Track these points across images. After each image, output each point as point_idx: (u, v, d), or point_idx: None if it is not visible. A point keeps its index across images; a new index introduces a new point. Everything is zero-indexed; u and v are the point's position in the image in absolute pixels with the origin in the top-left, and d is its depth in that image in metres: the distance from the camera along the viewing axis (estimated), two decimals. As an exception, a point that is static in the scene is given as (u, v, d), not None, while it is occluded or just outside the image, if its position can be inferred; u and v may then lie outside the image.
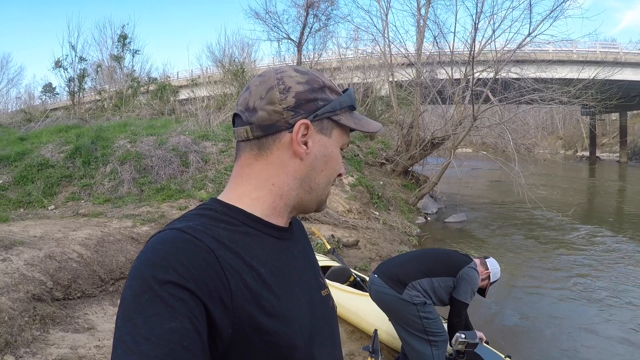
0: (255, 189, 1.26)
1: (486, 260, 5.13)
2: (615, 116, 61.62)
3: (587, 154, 63.84)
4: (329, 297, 1.42)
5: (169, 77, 30.06)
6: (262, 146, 1.25)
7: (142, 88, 24.31)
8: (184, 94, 25.22)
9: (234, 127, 1.29)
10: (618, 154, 59.15)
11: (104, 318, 5.66)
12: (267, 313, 1.10)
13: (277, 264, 1.21)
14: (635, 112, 62.96)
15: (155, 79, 25.81)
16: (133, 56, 28.86)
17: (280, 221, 1.29)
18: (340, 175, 1.36)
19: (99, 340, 5.10)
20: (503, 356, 5.33)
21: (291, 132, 1.23)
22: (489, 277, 5.08)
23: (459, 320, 4.82)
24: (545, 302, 8.75)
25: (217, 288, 1.03)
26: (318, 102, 1.25)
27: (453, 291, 4.84)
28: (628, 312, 8.18)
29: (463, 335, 4.47)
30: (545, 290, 9.34)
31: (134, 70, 28.39)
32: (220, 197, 1.28)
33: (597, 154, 61.82)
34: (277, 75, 1.25)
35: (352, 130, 1.34)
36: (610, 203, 24.05)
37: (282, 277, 1.20)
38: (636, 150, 62.37)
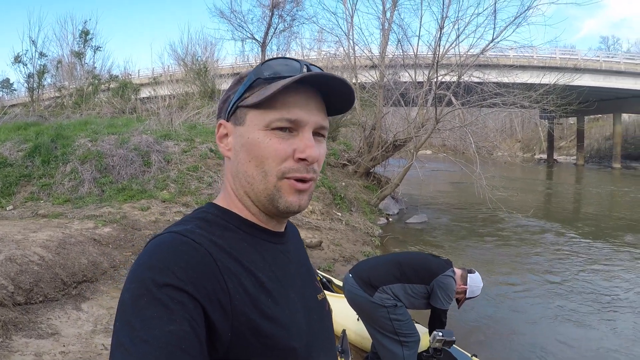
0: (228, 194, 1.29)
1: (469, 275, 5.11)
2: (573, 120, 62.76)
3: (544, 156, 64.94)
4: (324, 301, 1.43)
5: (130, 75, 29.78)
6: None
7: (103, 86, 23.93)
8: (145, 93, 24.99)
9: None
10: (575, 157, 60.23)
11: (67, 323, 5.55)
12: (266, 316, 1.10)
13: (274, 268, 1.21)
14: (592, 116, 64.35)
15: (117, 76, 25.48)
16: (94, 53, 28.54)
17: (269, 225, 1.28)
18: (303, 160, 1.18)
19: (64, 345, 5.00)
20: (470, 355, 5.49)
21: None
22: (465, 292, 5.09)
23: (440, 325, 4.88)
24: (507, 300, 8.95)
25: (216, 291, 1.03)
26: (230, 98, 1.26)
27: (430, 299, 4.89)
28: (588, 309, 8.44)
29: (440, 334, 4.57)
30: (507, 289, 9.56)
31: (95, 67, 28.07)
32: (216, 202, 1.29)
33: (555, 157, 63.01)
34: None
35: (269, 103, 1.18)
36: (568, 204, 24.66)
37: (278, 281, 1.20)
38: (592, 153, 63.82)
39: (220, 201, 1.28)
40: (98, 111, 20.11)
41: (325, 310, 1.40)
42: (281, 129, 1.17)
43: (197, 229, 1.12)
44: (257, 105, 1.17)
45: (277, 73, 1.20)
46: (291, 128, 1.18)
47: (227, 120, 1.25)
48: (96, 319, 5.73)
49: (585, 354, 6.79)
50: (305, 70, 1.21)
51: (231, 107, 1.23)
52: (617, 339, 7.23)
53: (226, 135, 1.25)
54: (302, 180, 1.20)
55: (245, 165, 1.21)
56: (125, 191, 10.67)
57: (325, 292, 5.79)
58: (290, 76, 1.17)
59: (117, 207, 9.59)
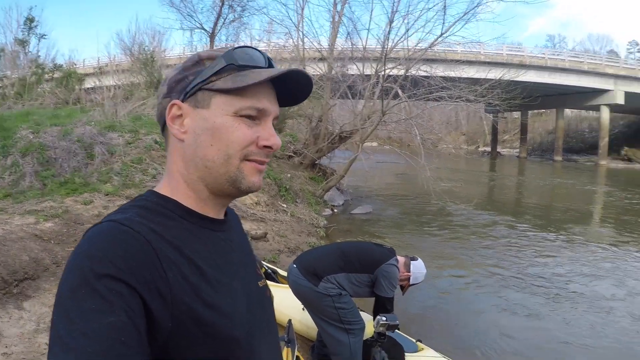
0: (174, 180, 1.27)
1: (412, 262, 5.24)
2: (517, 115, 64.02)
3: (488, 149, 66.19)
4: (265, 287, 1.43)
5: (75, 64, 28.85)
6: (166, 138, 1.29)
7: (46, 75, 23.04)
8: (90, 83, 24.25)
9: None
10: (518, 150, 61.78)
11: (9, 323, 5.43)
12: (207, 305, 1.10)
13: (215, 256, 1.21)
14: (536, 111, 65.93)
15: (61, 65, 24.61)
16: (39, 41, 27.38)
17: (212, 212, 1.28)
18: (268, 147, 1.24)
19: (6, 346, 4.90)
20: (414, 340, 5.62)
21: None
22: (408, 279, 5.22)
23: (384, 312, 4.93)
24: (453, 291, 9.14)
25: (155, 280, 1.03)
26: (188, 78, 1.23)
27: (374, 287, 5.00)
28: (537, 300, 8.60)
29: (384, 318, 4.61)
30: (452, 279, 9.78)
31: (39, 56, 26.94)
32: (156, 189, 1.28)
33: (498, 150, 64.19)
34: None
35: (284, 100, 1.31)
36: (510, 194, 25.27)
37: (219, 269, 1.20)
38: (535, 146, 65.55)
39: (162, 189, 1.27)
40: (41, 102, 19.48)
41: (266, 297, 1.41)
42: (248, 116, 1.21)
43: (136, 217, 1.12)
44: (227, 91, 1.20)
45: (247, 62, 1.23)
46: (256, 117, 1.22)
47: (183, 101, 1.23)
48: (39, 317, 5.63)
49: (531, 344, 6.92)
50: (266, 62, 1.27)
51: (191, 89, 1.21)
52: (567, 331, 7.36)
53: (180, 116, 1.23)
54: (261, 163, 1.25)
55: (206, 149, 1.21)
56: (68, 184, 10.38)
57: (271, 282, 5.89)
58: (256, 66, 1.23)
59: (59, 202, 9.34)
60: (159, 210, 1.18)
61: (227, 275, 1.22)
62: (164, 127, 1.28)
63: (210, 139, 1.20)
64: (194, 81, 1.22)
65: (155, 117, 1.29)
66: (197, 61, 1.24)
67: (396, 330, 5.24)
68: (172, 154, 1.27)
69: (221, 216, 1.32)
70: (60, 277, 1.02)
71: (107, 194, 10.12)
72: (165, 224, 1.15)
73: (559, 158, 52.96)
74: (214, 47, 22.91)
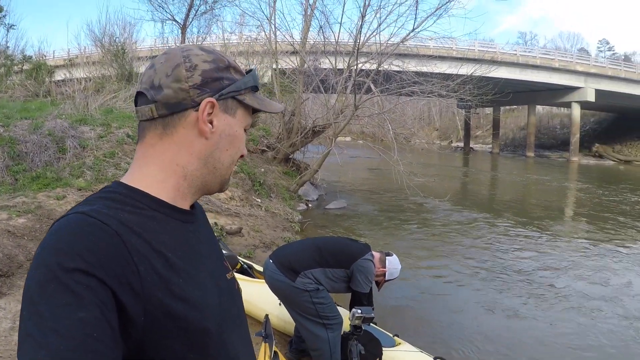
0: (160, 171, 1.24)
1: (387, 257, 5.29)
2: (489, 110, 64.56)
3: (461, 144, 66.47)
4: (234, 280, 1.43)
5: (45, 56, 28.34)
6: (167, 125, 1.24)
7: (15, 67, 22.59)
8: (60, 75, 23.90)
9: (136, 106, 1.27)
10: (491, 146, 62.29)
11: (-20, 319, 5.39)
12: (178, 298, 1.09)
13: (184, 248, 1.20)
14: (508, 107, 66.69)
15: (30, 57, 24.15)
16: (7, 31, 26.82)
17: (184, 204, 1.28)
18: (242, 156, 1.37)
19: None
20: (391, 335, 5.63)
21: (197, 110, 1.22)
22: (384, 274, 5.25)
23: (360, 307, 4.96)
24: (426, 283, 9.17)
25: (126, 274, 1.01)
26: (223, 81, 1.26)
27: (350, 282, 5.02)
28: (506, 292, 8.70)
29: (359, 311, 4.68)
30: (425, 273, 9.80)
31: (8, 47, 26.53)
32: (124, 180, 1.24)
33: (471, 145, 64.54)
34: (183, 53, 1.25)
35: (255, 111, 1.37)
36: (486, 190, 25.45)
37: (189, 261, 1.19)
38: (507, 142, 66.22)
39: (132, 180, 1.23)
40: (10, 94, 19.17)
41: (235, 289, 1.41)
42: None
43: (104, 209, 1.09)
44: (247, 107, 1.33)
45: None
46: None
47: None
48: (14, 315, 5.54)
49: (510, 342, 6.91)
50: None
51: (227, 93, 1.26)
52: (548, 329, 7.33)
53: (209, 114, 1.24)
54: None
55: (221, 152, 1.29)
56: (40, 179, 10.20)
57: (247, 278, 5.92)
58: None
59: (31, 197, 9.19)
60: (128, 202, 1.16)
61: (197, 267, 1.21)
62: (171, 112, 1.23)
63: (228, 145, 1.30)
64: (229, 87, 1.27)
65: (152, 97, 1.22)
66: (227, 66, 1.29)
67: (373, 325, 5.28)
68: (175, 145, 1.25)
69: (187, 207, 1.31)
70: (28, 272, 1.00)
71: (80, 189, 9.99)
72: (134, 215, 1.13)
73: (531, 154, 53.46)
74: (186, 40, 22.80)
